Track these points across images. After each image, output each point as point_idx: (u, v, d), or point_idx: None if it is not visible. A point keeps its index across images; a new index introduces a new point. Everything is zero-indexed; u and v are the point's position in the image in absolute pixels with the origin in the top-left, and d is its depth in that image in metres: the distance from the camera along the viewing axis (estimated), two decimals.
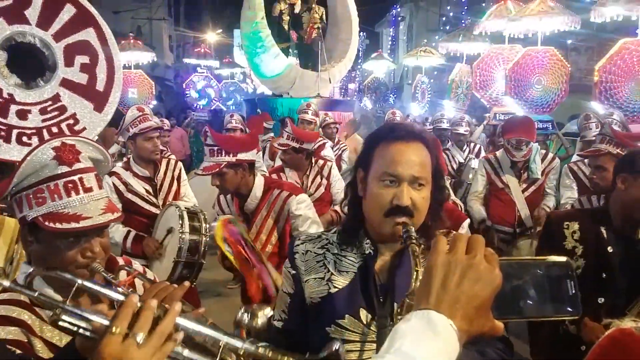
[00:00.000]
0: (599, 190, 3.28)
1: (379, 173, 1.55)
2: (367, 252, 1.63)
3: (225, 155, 3.05)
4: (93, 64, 2.54)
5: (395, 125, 1.67)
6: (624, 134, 3.36)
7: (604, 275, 2.46)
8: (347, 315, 1.58)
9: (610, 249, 2.46)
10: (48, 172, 1.52)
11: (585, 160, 3.98)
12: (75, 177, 1.52)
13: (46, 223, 1.47)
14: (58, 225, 1.47)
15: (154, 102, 10.90)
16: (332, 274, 1.63)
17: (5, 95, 2.40)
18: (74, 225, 1.47)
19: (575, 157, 4.92)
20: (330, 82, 11.01)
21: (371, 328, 1.57)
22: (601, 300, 2.45)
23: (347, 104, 12.94)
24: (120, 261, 1.77)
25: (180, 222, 3.34)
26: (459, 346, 0.82)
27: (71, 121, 2.48)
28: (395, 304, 1.55)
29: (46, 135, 2.42)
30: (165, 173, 4.03)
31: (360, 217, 1.65)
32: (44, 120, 2.45)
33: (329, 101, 10.90)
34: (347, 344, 1.56)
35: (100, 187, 1.59)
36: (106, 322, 1.01)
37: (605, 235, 2.49)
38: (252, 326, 2.62)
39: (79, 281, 1.13)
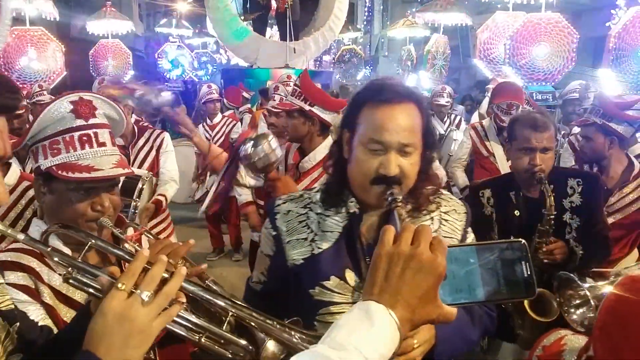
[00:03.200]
0: (587, 160, 3.27)
1: (365, 138, 1.46)
2: (352, 211, 1.56)
3: (302, 101, 2.95)
4: None
5: (383, 85, 1.51)
6: (614, 102, 3.31)
7: (512, 239, 2.49)
8: (332, 277, 1.51)
9: (517, 213, 2.60)
10: (64, 124, 1.56)
11: None
12: (90, 132, 1.57)
13: (59, 172, 1.51)
14: (71, 175, 1.51)
15: (132, 72, 10.51)
16: (315, 234, 1.56)
17: None
18: (85, 175, 1.52)
19: (575, 129, 4.91)
20: (294, 52, 10.64)
21: (360, 291, 1.51)
22: None
23: (322, 75, 12.66)
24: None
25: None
26: (399, 335, 0.85)
27: None
28: None
29: None
30: (144, 143, 3.98)
31: (346, 179, 1.56)
32: None
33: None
34: (333, 306, 1.51)
35: (114, 144, 1.63)
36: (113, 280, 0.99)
37: (514, 200, 2.63)
38: (257, 153, 2.54)
39: (92, 241, 1.13)
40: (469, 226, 1.65)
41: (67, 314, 1.53)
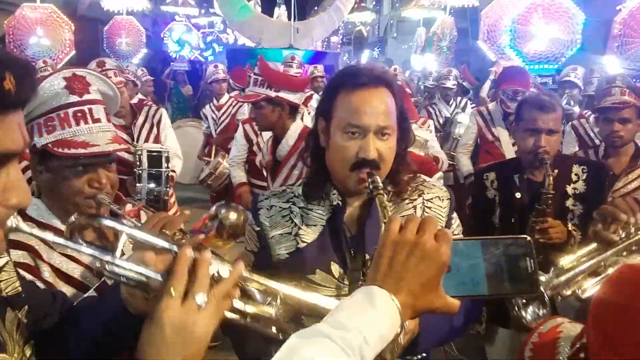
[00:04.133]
0: (619, 145, 3.08)
1: (343, 124, 1.47)
2: (334, 203, 1.57)
3: (266, 89, 2.90)
4: None
5: (357, 71, 1.54)
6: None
7: (513, 220, 2.58)
8: (317, 270, 1.52)
9: (518, 195, 2.58)
10: (59, 101, 1.55)
11: (590, 117, 3.91)
12: (85, 107, 1.56)
13: (55, 149, 1.51)
14: (67, 151, 1.50)
15: (144, 50, 10.44)
16: (299, 228, 1.57)
17: None
18: (81, 151, 1.51)
19: (577, 113, 4.84)
20: (297, 33, 10.48)
21: (344, 282, 1.52)
22: None
23: (327, 56, 12.46)
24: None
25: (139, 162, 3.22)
26: (400, 319, 0.87)
27: None
28: (366, 255, 1.50)
29: None
30: (144, 121, 4.00)
31: (325, 169, 1.57)
32: None
33: (307, 53, 10.39)
34: None
35: (109, 120, 1.62)
36: (158, 277, 0.93)
37: (517, 183, 2.61)
38: (225, 217, 2.42)
39: (127, 231, 1.04)
40: (453, 212, 1.65)
41: (67, 292, 1.53)
